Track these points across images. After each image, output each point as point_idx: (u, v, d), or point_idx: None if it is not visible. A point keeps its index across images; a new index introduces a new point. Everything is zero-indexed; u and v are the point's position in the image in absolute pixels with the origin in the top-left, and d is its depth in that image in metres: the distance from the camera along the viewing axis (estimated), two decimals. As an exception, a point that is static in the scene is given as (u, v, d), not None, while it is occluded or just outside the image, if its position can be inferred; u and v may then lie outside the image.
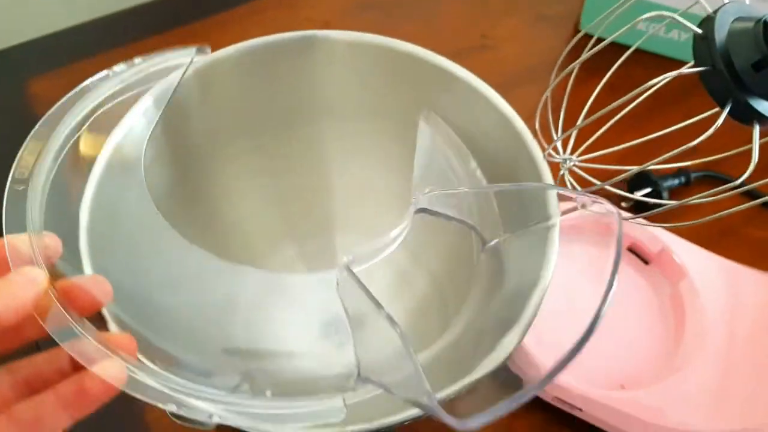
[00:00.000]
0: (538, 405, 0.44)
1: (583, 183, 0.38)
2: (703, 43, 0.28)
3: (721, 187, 0.30)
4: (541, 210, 0.33)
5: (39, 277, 0.25)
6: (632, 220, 0.33)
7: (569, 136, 0.38)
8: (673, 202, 0.32)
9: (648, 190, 0.52)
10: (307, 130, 0.44)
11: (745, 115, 0.27)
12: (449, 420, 0.23)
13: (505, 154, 0.38)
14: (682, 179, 0.53)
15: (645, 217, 0.31)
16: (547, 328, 0.44)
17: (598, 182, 0.37)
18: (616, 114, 0.35)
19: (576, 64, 0.34)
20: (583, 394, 0.42)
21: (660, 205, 0.32)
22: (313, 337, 0.45)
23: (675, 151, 0.28)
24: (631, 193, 0.52)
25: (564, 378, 0.42)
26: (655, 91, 0.34)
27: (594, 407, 0.42)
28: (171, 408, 0.24)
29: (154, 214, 0.32)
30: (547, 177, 0.34)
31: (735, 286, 0.45)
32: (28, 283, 0.24)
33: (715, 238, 0.52)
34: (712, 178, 0.55)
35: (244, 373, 0.42)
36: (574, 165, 0.37)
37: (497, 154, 0.37)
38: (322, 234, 0.48)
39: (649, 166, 0.31)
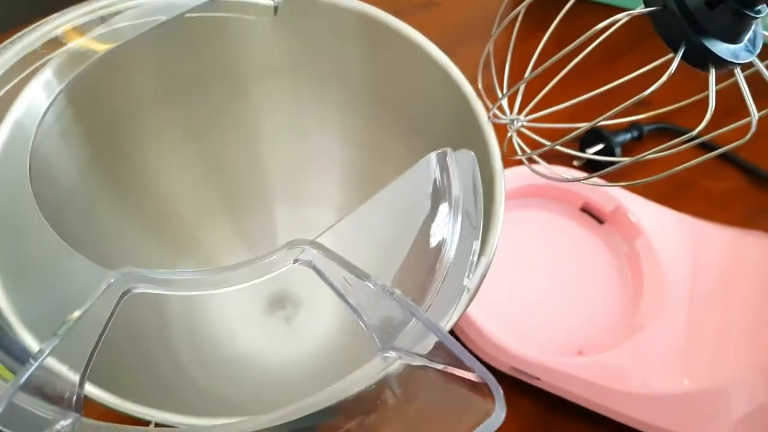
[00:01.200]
0: (495, 376, 0.42)
1: (533, 144, 0.36)
2: (652, -18, 0.26)
3: (676, 140, 0.28)
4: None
5: None
6: (585, 181, 0.31)
7: (516, 95, 0.36)
8: (627, 159, 0.30)
9: (600, 146, 0.50)
10: (235, 96, 0.41)
11: (700, 58, 0.25)
12: None
13: (449, 118, 0.35)
14: (635, 134, 0.52)
15: (599, 176, 0.29)
16: (496, 298, 0.42)
17: (548, 143, 0.34)
18: (564, 67, 0.32)
19: (522, 7, 0.32)
20: (539, 362, 0.40)
21: (613, 163, 0.30)
22: (258, 315, 0.43)
23: (626, 104, 0.26)
24: (583, 150, 0.50)
25: (519, 346, 0.40)
26: (604, 43, 0.31)
27: (551, 375, 0.40)
28: None
29: (48, 231, 0.26)
30: (492, 142, 0.32)
31: (694, 241, 0.44)
32: None
33: (671, 193, 0.50)
34: (665, 130, 0.53)
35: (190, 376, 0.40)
36: (522, 126, 0.35)
37: (441, 117, 0.35)
38: (260, 207, 0.45)
39: (600, 121, 0.29)
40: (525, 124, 0.35)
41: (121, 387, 0.25)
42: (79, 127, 0.35)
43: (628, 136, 0.51)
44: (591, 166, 0.50)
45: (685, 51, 0.25)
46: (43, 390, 0.21)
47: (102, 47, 0.31)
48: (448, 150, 0.29)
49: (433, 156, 0.28)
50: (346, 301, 0.24)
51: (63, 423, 0.21)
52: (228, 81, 0.40)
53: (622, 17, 0.26)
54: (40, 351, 0.20)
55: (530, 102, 0.35)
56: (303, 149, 0.43)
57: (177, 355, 0.40)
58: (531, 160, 0.33)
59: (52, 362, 0.21)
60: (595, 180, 0.31)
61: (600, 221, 0.47)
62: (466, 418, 0.22)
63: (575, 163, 0.50)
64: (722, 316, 0.41)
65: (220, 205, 0.44)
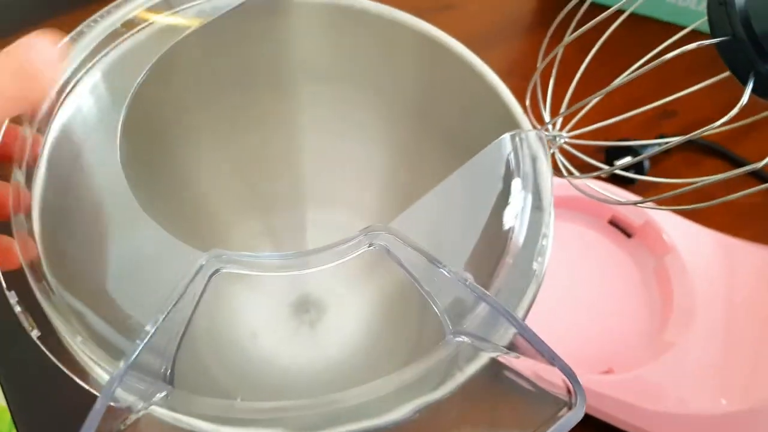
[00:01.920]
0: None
1: (574, 161, 0.35)
2: (720, 9, 0.25)
3: (738, 170, 0.27)
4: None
5: None
6: (641, 205, 0.30)
7: (557, 111, 0.35)
8: (699, 180, 0.30)
9: (628, 158, 0.50)
10: (279, 97, 0.41)
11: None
12: None
13: (494, 137, 0.34)
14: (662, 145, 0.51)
15: (655, 201, 0.29)
16: (536, 311, 0.42)
17: (606, 167, 0.34)
18: (605, 84, 0.32)
19: (560, 47, 0.31)
20: (569, 378, 0.40)
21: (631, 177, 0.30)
22: (282, 318, 0.42)
23: (703, 130, 0.26)
24: (610, 162, 0.50)
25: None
26: (626, 59, 0.31)
27: (581, 392, 0.40)
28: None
29: (123, 194, 0.28)
30: (543, 165, 0.31)
31: (727, 260, 0.43)
32: None
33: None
34: (691, 143, 0.53)
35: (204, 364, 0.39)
36: (564, 142, 0.34)
37: (485, 135, 0.34)
38: (292, 208, 0.45)
39: (672, 145, 0.28)
40: (567, 140, 0.35)
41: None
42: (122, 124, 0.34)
43: (655, 148, 0.51)
44: (618, 177, 0.49)
45: (754, 82, 0.25)
46: (145, 366, 0.22)
47: (192, 23, 0.32)
48: (519, 130, 0.30)
49: (506, 137, 0.29)
50: (419, 284, 0.25)
51: (159, 396, 0.22)
52: (274, 82, 0.40)
53: (692, 47, 0.25)
54: (146, 332, 0.22)
55: (571, 118, 0.35)
56: (341, 154, 0.43)
57: (197, 350, 0.39)
58: (586, 186, 0.33)
59: (152, 341, 0.22)
60: (652, 204, 0.30)
61: (628, 235, 0.47)
62: (542, 410, 0.22)
63: (602, 174, 0.49)
64: (759, 337, 0.40)
65: (252, 204, 0.44)
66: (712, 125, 0.24)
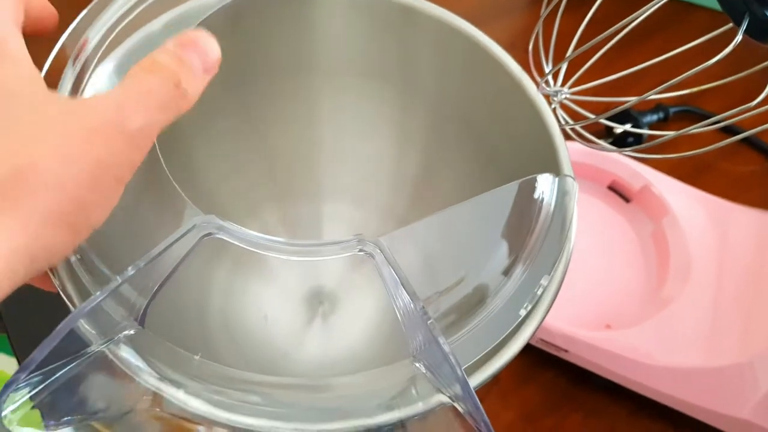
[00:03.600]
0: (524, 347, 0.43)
1: (575, 116, 0.37)
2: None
3: (699, 125, 0.28)
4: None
5: None
6: (631, 153, 0.31)
7: (558, 69, 0.36)
8: (672, 133, 0.31)
9: (629, 125, 0.51)
10: (299, 87, 0.40)
11: (763, 32, 0.26)
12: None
13: (520, 136, 0.34)
14: (661, 114, 0.52)
15: (642, 150, 0.30)
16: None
17: (591, 115, 0.35)
18: (607, 43, 0.33)
19: None
20: (568, 334, 0.41)
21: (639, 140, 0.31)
22: (294, 307, 0.42)
23: (684, 75, 0.26)
24: (610, 130, 0.51)
25: (549, 319, 0.41)
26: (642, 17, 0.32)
27: (580, 348, 0.41)
28: None
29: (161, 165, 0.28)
30: (546, 111, 0.32)
31: (722, 222, 0.44)
32: None
33: (692, 174, 0.51)
34: (689, 113, 0.54)
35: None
36: (565, 98, 0.35)
37: (511, 136, 0.35)
38: (309, 200, 0.44)
39: (651, 95, 0.29)
40: (568, 96, 0.36)
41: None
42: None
43: (654, 116, 0.52)
44: (618, 145, 0.50)
45: (748, 24, 0.25)
46: (121, 301, 0.24)
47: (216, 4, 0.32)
48: (549, 175, 0.28)
49: (541, 177, 0.28)
50: (393, 300, 0.25)
51: (127, 332, 0.24)
52: (301, 72, 0.40)
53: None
54: (128, 271, 0.24)
55: (572, 75, 0.36)
56: (362, 149, 0.43)
57: (210, 326, 0.40)
58: (582, 137, 0.34)
59: (134, 281, 0.24)
60: (629, 152, 0.31)
61: (626, 200, 0.48)
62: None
63: (590, 122, 0.50)
64: (750, 296, 0.41)
65: (271, 195, 0.44)
66: (705, 64, 0.25)
